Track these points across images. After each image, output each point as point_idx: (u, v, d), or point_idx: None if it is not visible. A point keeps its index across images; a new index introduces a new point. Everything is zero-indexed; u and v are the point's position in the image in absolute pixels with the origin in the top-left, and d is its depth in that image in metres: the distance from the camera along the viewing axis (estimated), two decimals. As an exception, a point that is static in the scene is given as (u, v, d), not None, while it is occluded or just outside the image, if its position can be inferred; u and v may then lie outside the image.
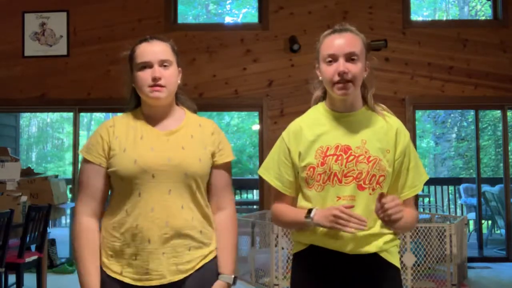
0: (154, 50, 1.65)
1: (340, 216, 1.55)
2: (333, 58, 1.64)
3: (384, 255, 1.69)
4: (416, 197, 6.20)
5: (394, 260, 1.71)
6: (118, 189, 1.64)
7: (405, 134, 1.73)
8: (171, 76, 1.66)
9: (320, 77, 1.73)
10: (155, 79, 1.62)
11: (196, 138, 1.70)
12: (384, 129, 1.71)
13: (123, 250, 1.61)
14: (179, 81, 1.72)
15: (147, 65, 1.64)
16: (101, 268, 1.65)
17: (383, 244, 1.67)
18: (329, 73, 1.65)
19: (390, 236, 1.70)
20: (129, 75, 1.71)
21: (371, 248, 1.66)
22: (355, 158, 1.66)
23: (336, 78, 1.63)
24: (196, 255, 1.64)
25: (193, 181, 1.64)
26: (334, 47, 1.65)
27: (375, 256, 1.67)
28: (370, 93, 1.76)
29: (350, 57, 1.64)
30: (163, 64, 1.65)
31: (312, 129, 1.72)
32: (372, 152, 1.67)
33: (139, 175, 1.59)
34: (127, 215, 1.61)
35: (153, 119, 1.70)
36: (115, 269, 1.63)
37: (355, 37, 1.68)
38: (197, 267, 1.64)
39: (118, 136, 1.66)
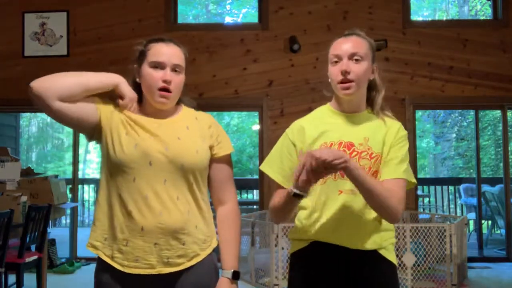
0: (170, 53, 1.65)
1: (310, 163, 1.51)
2: (338, 58, 1.72)
3: (382, 251, 1.73)
4: (416, 197, 6.20)
5: (391, 257, 1.76)
6: (112, 171, 1.62)
7: (402, 132, 1.77)
8: (180, 83, 1.67)
9: (330, 79, 1.77)
10: (165, 82, 1.62)
11: (192, 129, 1.70)
12: (384, 129, 1.76)
13: (116, 234, 1.61)
14: (182, 86, 1.72)
15: (160, 66, 1.64)
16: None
17: (382, 241, 1.72)
18: (333, 73, 1.73)
19: (388, 234, 1.75)
20: (136, 70, 1.70)
21: (371, 244, 1.70)
22: (358, 154, 1.71)
23: (339, 77, 1.70)
24: (189, 250, 1.63)
25: (190, 173, 1.63)
26: (339, 49, 1.72)
27: (373, 253, 1.71)
28: (380, 97, 1.80)
29: (353, 57, 1.70)
30: (175, 68, 1.65)
31: (316, 127, 1.75)
32: (375, 149, 1.72)
33: (137, 160, 1.59)
34: (121, 200, 1.60)
35: (151, 114, 1.70)
36: (107, 253, 1.64)
37: (361, 40, 1.75)
38: (189, 264, 1.63)
39: (121, 116, 1.66)
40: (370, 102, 1.81)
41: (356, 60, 1.70)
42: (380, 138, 1.73)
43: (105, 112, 1.66)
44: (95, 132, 1.66)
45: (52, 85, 1.57)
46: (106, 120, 1.65)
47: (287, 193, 1.63)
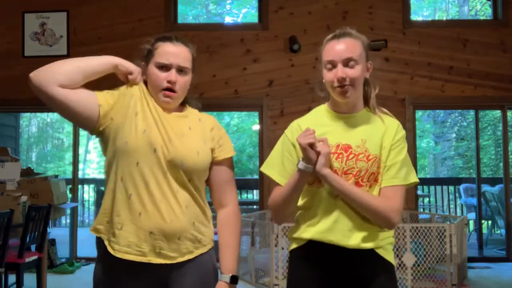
0: (177, 54, 1.66)
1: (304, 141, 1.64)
2: (332, 64, 1.71)
3: (380, 251, 1.73)
4: (416, 197, 6.20)
5: (389, 256, 1.76)
6: (117, 155, 1.62)
7: (400, 132, 1.77)
8: (185, 84, 1.68)
9: (324, 80, 1.77)
10: (170, 82, 1.63)
11: (194, 130, 1.70)
12: (382, 129, 1.76)
13: (113, 217, 1.61)
14: (188, 87, 1.73)
15: (166, 67, 1.65)
16: (96, 242, 1.68)
17: (379, 240, 1.72)
18: (329, 79, 1.72)
19: (386, 234, 1.76)
20: (143, 68, 1.71)
21: (368, 243, 1.70)
22: (355, 156, 1.71)
23: (336, 83, 1.70)
24: (183, 246, 1.63)
25: (190, 173, 1.64)
26: (333, 54, 1.71)
27: (371, 252, 1.72)
28: (374, 93, 1.81)
29: (348, 63, 1.69)
30: (181, 69, 1.66)
31: (314, 128, 1.74)
32: (372, 151, 1.72)
33: (143, 144, 1.59)
34: (121, 182, 1.60)
35: None
36: (107, 236, 1.64)
37: (354, 41, 1.73)
38: (181, 259, 1.63)
39: (134, 94, 1.67)
40: (365, 99, 1.81)
41: (351, 64, 1.69)
42: (378, 139, 1.73)
43: (108, 100, 1.65)
44: (98, 122, 1.64)
45: (51, 71, 1.58)
46: (113, 105, 1.64)
47: (295, 172, 1.69)
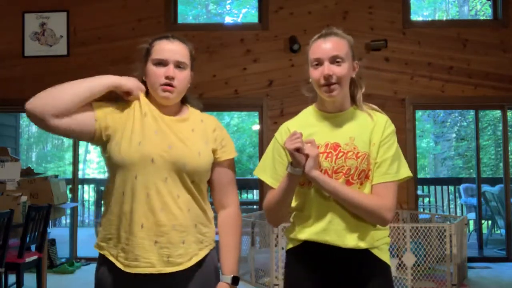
0: (173, 49, 1.66)
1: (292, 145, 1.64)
2: (319, 62, 1.72)
3: (374, 251, 1.73)
4: (416, 197, 6.20)
5: (384, 257, 1.76)
6: (116, 170, 1.62)
7: (389, 128, 1.76)
8: (184, 79, 1.68)
9: (310, 79, 1.78)
10: (168, 78, 1.63)
11: (197, 132, 1.70)
12: (371, 125, 1.76)
13: (119, 233, 1.61)
14: (189, 84, 1.73)
15: (163, 63, 1.65)
16: (99, 253, 1.68)
17: (374, 241, 1.72)
18: (315, 76, 1.73)
19: (381, 234, 1.76)
20: (142, 68, 1.71)
21: (362, 243, 1.70)
22: (344, 154, 1.72)
23: (322, 81, 1.71)
24: (190, 249, 1.63)
25: (192, 174, 1.63)
26: (320, 52, 1.72)
27: (366, 252, 1.72)
28: (360, 92, 1.81)
29: (334, 60, 1.70)
30: (178, 65, 1.66)
31: (302, 130, 1.75)
32: (361, 148, 1.72)
33: (140, 157, 1.59)
34: (123, 197, 1.60)
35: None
36: (113, 252, 1.64)
37: (340, 40, 1.74)
38: (189, 264, 1.63)
39: (130, 113, 1.66)
40: (352, 98, 1.82)
41: (337, 62, 1.70)
42: (366, 136, 1.74)
43: (105, 114, 1.65)
44: (95, 137, 1.65)
45: (48, 103, 1.54)
46: (110, 121, 1.64)
47: (285, 175, 1.71)
